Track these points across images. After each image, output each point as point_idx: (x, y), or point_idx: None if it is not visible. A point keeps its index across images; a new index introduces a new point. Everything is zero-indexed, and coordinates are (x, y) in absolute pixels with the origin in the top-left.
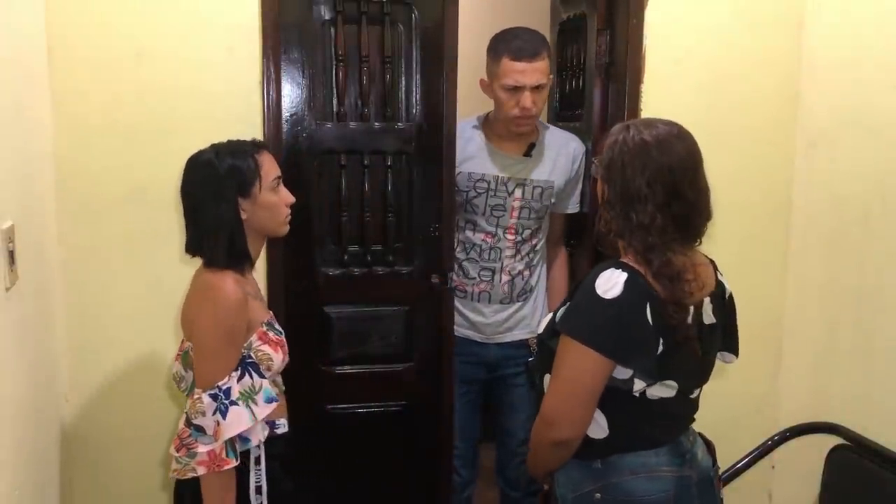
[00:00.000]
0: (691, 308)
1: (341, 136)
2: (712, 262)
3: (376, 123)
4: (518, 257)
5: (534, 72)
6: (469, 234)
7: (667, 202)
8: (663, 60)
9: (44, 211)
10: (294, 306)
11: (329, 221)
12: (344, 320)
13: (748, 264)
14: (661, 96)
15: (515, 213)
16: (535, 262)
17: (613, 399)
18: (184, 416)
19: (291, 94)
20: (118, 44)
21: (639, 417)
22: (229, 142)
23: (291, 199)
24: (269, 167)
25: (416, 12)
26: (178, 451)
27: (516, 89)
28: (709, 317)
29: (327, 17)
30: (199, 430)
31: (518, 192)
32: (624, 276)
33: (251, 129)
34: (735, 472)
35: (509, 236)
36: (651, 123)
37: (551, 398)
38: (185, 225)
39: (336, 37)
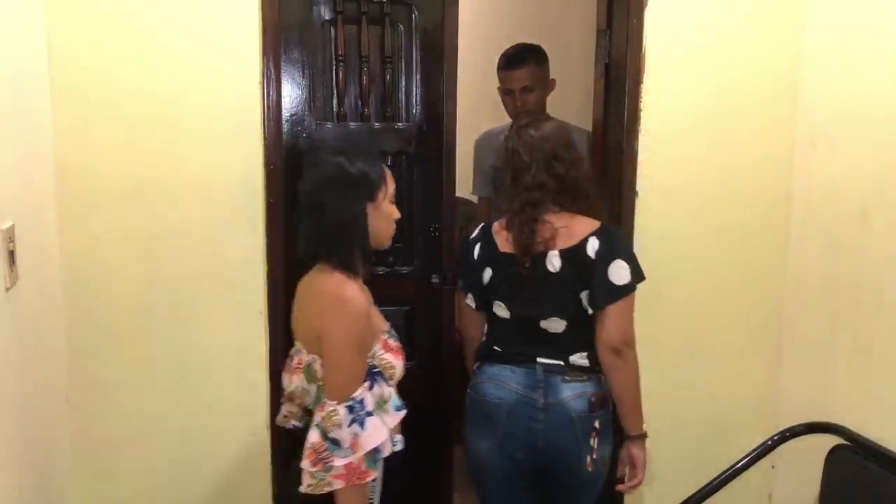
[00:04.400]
0: (522, 255)
1: (341, 137)
2: (600, 227)
3: (376, 123)
4: None
5: (519, 76)
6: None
7: (548, 165)
8: (663, 60)
9: (44, 210)
10: None
11: None
12: None
13: (748, 262)
14: (661, 96)
15: None
16: None
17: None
18: (315, 429)
19: (291, 94)
20: (118, 44)
21: (493, 330)
22: (351, 148)
23: (398, 215)
24: (390, 179)
25: (416, 12)
26: (314, 465)
27: (509, 91)
28: (553, 266)
29: (327, 18)
30: (335, 443)
31: None
32: (482, 225)
33: (251, 128)
34: (735, 472)
35: None
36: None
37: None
38: (303, 225)
39: (336, 37)
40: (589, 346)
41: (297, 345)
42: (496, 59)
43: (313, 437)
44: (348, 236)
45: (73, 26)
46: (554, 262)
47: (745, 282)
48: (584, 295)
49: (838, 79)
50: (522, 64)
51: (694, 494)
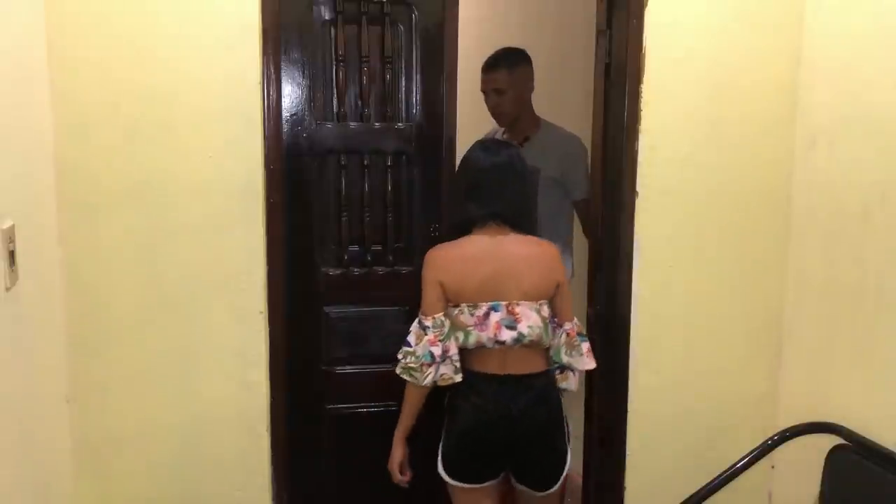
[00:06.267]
0: None
1: (341, 136)
2: None
3: (376, 123)
4: None
5: (491, 79)
6: None
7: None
8: (663, 60)
9: (44, 210)
10: (294, 306)
11: (329, 221)
12: (344, 320)
13: (747, 263)
14: (661, 96)
15: None
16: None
17: None
18: (579, 337)
19: (291, 94)
20: (118, 44)
21: None
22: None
23: None
24: None
25: (416, 12)
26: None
27: (485, 92)
28: None
29: (327, 18)
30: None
31: None
32: None
33: (251, 128)
34: (735, 472)
35: None
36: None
37: None
38: (499, 190)
39: (336, 37)
40: None
41: (493, 303)
42: None
43: (587, 343)
44: (535, 209)
45: (73, 27)
46: None
47: (745, 282)
48: None
49: (838, 79)
50: (493, 68)
51: (694, 494)
